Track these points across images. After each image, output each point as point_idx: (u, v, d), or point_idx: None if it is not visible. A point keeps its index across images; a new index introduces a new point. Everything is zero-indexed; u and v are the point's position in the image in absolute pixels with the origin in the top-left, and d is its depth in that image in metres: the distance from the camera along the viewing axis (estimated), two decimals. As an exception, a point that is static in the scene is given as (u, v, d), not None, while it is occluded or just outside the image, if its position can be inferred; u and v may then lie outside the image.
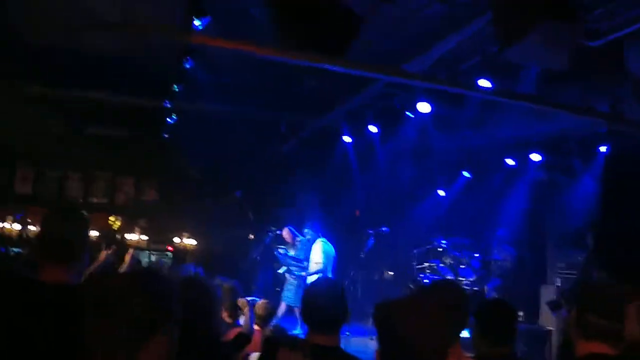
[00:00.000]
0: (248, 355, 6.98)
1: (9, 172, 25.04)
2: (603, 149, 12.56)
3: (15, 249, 21.16)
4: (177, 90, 11.91)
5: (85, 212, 4.15)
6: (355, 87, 12.63)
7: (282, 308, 13.64)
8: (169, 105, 13.28)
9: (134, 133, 20.46)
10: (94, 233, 27.34)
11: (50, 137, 20.60)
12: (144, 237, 26.95)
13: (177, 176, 22.36)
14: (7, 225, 25.44)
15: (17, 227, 26.31)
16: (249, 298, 8.60)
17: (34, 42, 12.13)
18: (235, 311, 8.12)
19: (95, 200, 27.25)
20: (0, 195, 25.06)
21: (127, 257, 8.69)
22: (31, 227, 26.74)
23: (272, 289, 18.27)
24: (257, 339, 7.24)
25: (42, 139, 20.52)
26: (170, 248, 26.72)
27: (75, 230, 3.91)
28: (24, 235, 26.25)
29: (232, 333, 7.26)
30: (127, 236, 27.04)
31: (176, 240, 26.91)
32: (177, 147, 18.98)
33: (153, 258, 25.51)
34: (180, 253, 25.85)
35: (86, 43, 12.17)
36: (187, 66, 10.24)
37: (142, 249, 26.23)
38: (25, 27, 11.65)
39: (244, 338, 6.95)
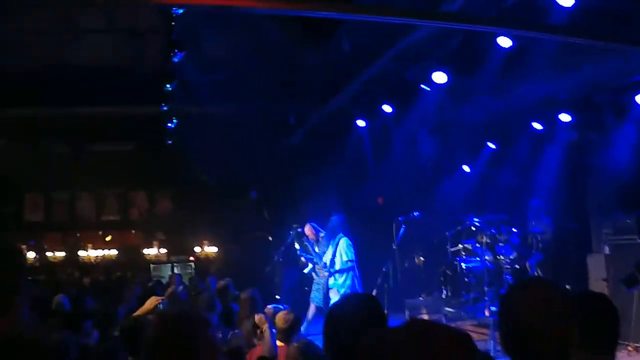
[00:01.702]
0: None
1: (17, 200, 24.51)
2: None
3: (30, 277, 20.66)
4: (170, 89, 11.12)
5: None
6: (362, 64, 11.69)
7: (312, 310, 12.78)
8: (165, 109, 12.49)
9: (139, 145, 19.71)
10: (113, 252, 26.90)
11: (54, 159, 20.07)
12: (163, 250, 26.43)
13: (190, 184, 21.66)
14: (20, 254, 24.93)
15: (31, 254, 25.85)
16: (271, 306, 7.58)
17: (12, 61, 11.58)
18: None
19: (108, 218, 26.80)
20: (11, 224, 24.45)
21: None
22: (48, 254, 26.32)
23: (300, 290, 17.51)
24: (280, 357, 6.21)
25: (45, 162, 19.99)
26: (192, 258, 26.20)
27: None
28: (39, 263, 25.88)
29: (254, 354, 6.32)
30: (146, 251, 26.49)
31: (197, 249, 26.31)
32: (185, 154, 18.23)
33: (176, 270, 24.98)
34: (202, 263, 25.31)
35: (75, 56, 11.58)
36: (176, 60, 9.37)
37: (163, 262, 25.75)
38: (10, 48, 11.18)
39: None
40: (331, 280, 12.18)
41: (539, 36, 8.93)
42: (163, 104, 12.40)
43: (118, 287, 14.89)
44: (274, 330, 6.90)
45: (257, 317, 6.86)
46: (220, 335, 7.72)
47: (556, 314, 2.53)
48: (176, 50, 9.23)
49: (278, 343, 6.69)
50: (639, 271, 8.47)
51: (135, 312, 7.23)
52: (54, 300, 10.44)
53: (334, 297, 11.84)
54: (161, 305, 7.24)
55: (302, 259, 13.42)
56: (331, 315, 3.22)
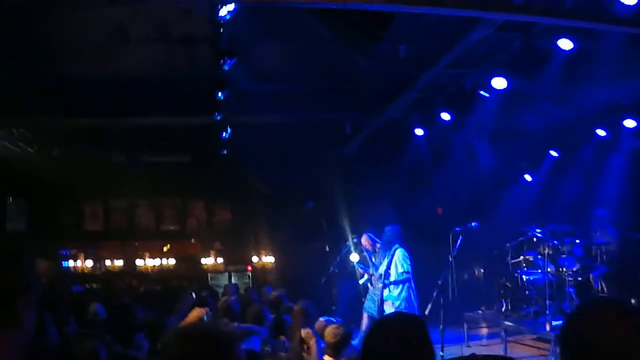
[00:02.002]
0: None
1: (76, 210, 24.76)
2: None
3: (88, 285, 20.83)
4: (222, 98, 10.93)
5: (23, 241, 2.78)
6: (419, 71, 11.39)
7: (365, 321, 12.55)
8: (219, 118, 12.35)
9: (196, 156, 19.68)
10: (170, 261, 26.97)
11: (111, 169, 20.17)
12: (220, 260, 26.43)
13: (247, 194, 21.59)
14: (79, 262, 25.23)
15: (89, 263, 26.10)
16: (323, 319, 7.28)
17: (69, 72, 11.61)
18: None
19: (167, 227, 26.93)
20: (71, 234, 24.76)
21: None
22: (106, 262, 26.52)
23: (357, 301, 17.26)
24: None
25: (103, 171, 20.09)
26: (249, 268, 26.18)
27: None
28: (99, 271, 26.10)
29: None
30: (204, 260, 26.54)
31: (254, 259, 26.25)
32: (241, 165, 18.16)
33: (234, 280, 24.99)
34: (259, 272, 25.26)
35: (124, 65, 11.51)
36: (226, 68, 9.19)
37: (220, 272, 25.78)
38: (60, 58, 11.17)
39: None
40: (386, 292, 11.88)
41: (602, 28, 8.53)
42: (216, 113, 12.26)
43: (173, 297, 14.78)
44: (323, 344, 6.63)
45: (304, 332, 6.56)
46: (269, 349, 7.48)
47: (629, 337, 2.18)
48: (226, 58, 9.05)
49: (326, 358, 6.39)
50: None
51: (184, 323, 7.05)
52: (89, 308, 10.37)
53: (389, 310, 11.55)
54: (206, 317, 7.03)
55: (359, 269, 13.15)
56: (366, 342, 2.88)
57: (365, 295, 13.15)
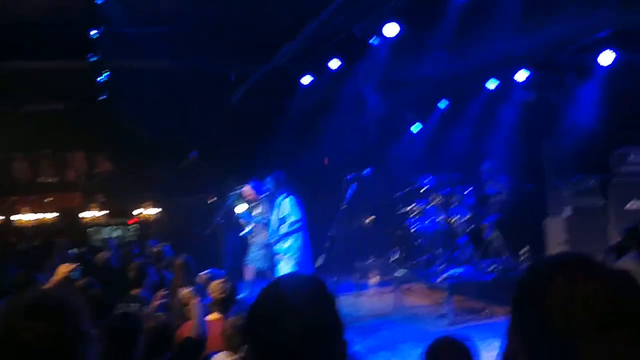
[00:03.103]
0: (209, 357, 5.29)
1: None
2: (604, 59, 10.77)
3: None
4: (95, 37, 10.24)
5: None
6: (308, 16, 10.95)
7: (250, 274, 12.33)
8: (94, 59, 11.61)
9: (72, 104, 18.77)
10: (50, 216, 26.08)
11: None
12: (102, 213, 25.77)
13: (129, 144, 20.87)
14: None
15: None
16: (207, 272, 6.84)
17: None
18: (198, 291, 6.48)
19: (45, 179, 26.02)
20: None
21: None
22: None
23: (243, 253, 17.01)
24: (215, 331, 5.48)
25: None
26: (132, 221, 25.66)
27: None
28: None
29: (184, 331, 5.61)
30: (85, 214, 25.79)
31: (137, 211, 25.69)
32: (121, 112, 17.42)
33: (115, 233, 24.42)
34: (144, 226, 24.75)
35: None
36: (99, 2, 8.53)
37: (102, 225, 25.17)
38: None
39: (193, 346, 5.29)
40: (278, 245, 11.46)
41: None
42: (90, 55, 11.52)
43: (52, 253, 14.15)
44: (206, 300, 6.22)
45: (183, 292, 6.09)
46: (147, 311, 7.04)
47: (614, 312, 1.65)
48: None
49: (213, 316, 5.98)
50: (631, 238, 7.81)
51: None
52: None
53: (284, 265, 11.14)
54: (75, 274, 6.49)
55: (242, 221, 12.75)
56: (256, 312, 2.30)
57: (249, 247, 12.85)
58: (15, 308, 2.26)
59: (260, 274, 12.17)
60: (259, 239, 12.30)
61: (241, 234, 12.74)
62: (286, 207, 11.37)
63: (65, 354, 2.17)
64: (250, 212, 12.52)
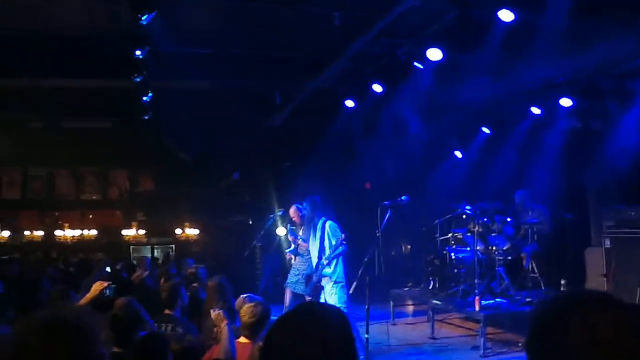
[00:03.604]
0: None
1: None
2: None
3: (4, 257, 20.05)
4: (141, 57, 10.30)
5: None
6: (352, 39, 10.94)
7: (288, 297, 12.01)
8: (138, 80, 11.68)
9: (118, 122, 18.95)
10: (92, 232, 26.30)
11: (29, 135, 19.38)
12: (142, 232, 25.95)
13: (171, 163, 21.01)
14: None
15: (7, 233, 25.40)
16: (244, 296, 6.76)
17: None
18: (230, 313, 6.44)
19: (88, 196, 26.31)
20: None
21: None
22: (25, 232, 25.82)
23: (280, 276, 16.96)
24: (244, 354, 5.39)
25: (20, 137, 19.30)
26: (172, 240, 25.81)
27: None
28: (17, 242, 25.46)
29: (212, 354, 5.57)
30: (125, 232, 25.99)
31: (178, 231, 25.84)
32: (165, 132, 17.54)
33: (156, 253, 24.55)
34: (183, 245, 24.85)
35: (43, 23, 10.86)
36: (144, 23, 8.59)
37: (143, 244, 25.31)
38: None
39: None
40: (321, 269, 11.25)
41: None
42: (135, 75, 11.61)
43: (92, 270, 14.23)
44: (238, 323, 6.17)
45: (213, 314, 6.06)
46: (181, 330, 7.00)
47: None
48: (145, 11, 8.45)
49: (242, 340, 5.92)
50: None
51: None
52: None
53: (329, 289, 10.94)
54: (108, 291, 6.50)
55: (290, 237, 12.62)
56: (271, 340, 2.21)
57: (289, 270, 12.75)
58: (29, 327, 2.23)
59: (299, 297, 12.06)
60: (302, 261, 12.21)
61: (288, 250, 12.58)
62: (327, 231, 11.23)
63: None
64: (296, 233, 12.43)
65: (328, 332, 2.08)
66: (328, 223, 10.91)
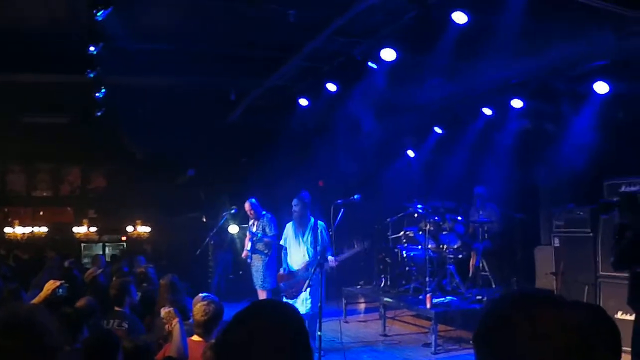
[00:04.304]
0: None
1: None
2: (600, 87, 10.71)
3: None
4: (94, 52, 10.22)
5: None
6: (307, 38, 10.98)
7: (263, 295, 12.07)
8: (92, 75, 11.58)
9: (74, 118, 18.74)
10: (42, 229, 26.00)
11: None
12: (94, 229, 25.73)
13: (124, 160, 20.83)
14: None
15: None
16: (202, 295, 6.73)
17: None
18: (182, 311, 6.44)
19: (39, 193, 26.00)
20: None
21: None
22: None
23: (232, 273, 16.98)
24: (197, 353, 5.39)
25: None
26: (124, 238, 25.61)
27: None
28: None
29: (165, 353, 5.58)
30: (77, 229, 25.74)
31: (129, 229, 25.66)
32: (118, 129, 17.39)
33: (107, 250, 24.36)
34: (134, 243, 24.68)
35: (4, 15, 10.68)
36: (99, 19, 8.53)
37: (94, 242, 25.10)
38: None
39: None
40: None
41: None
42: (89, 70, 11.50)
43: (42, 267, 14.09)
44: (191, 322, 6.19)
45: (164, 312, 6.05)
46: (126, 326, 7.03)
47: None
48: (99, 7, 8.40)
49: (195, 338, 5.93)
50: (622, 200, 7.86)
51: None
52: None
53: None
54: (60, 290, 6.47)
55: (248, 235, 12.57)
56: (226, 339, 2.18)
57: (244, 268, 12.73)
58: None
59: (275, 293, 12.03)
60: (257, 260, 12.17)
61: (247, 248, 12.45)
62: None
63: None
64: (252, 229, 12.35)
65: (282, 328, 2.12)
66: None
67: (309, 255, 10.68)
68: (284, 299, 10.07)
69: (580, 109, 11.26)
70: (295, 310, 2.29)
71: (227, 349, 2.10)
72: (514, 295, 1.85)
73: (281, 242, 11.19)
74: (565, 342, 1.65)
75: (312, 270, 10.01)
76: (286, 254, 11.01)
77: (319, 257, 10.20)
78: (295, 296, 10.44)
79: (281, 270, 10.91)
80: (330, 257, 10.35)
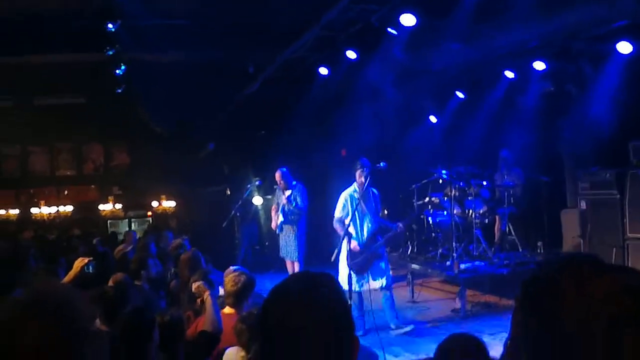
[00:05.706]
0: (222, 352, 5.22)
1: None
2: (623, 47, 10.50)
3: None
4: (113, 30, 10.22)
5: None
6: (324, 6, 10.88)
7: (295, 268, 12.13)
8: (111, 53, 11.59)
9: (89, 97, 18.78)
10: (68, 208, 26.14)
11: (0, 112, 19.15)
12: (119, 206, 25.82)
13: (146, 136, 20.85)
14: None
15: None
16: (233, 268, 6.67)
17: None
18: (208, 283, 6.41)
19: (63, 173, 26.10)
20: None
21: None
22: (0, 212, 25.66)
23: (260, 244, 17.01)
24: (229, 325, 5.34)
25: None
26: (149, 213, 25.67)
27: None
28: None
29: (198, 326, 5.58)
30: (102, 207, 25.85)
31: (154, 204, 25.73)
32: (139, 105, 17.40)
33: (134, 226, 24.43)
34: (160, 218, 24.75)
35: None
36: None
37: (120, 218, 25.19)
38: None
39: (208, 340, 5.25)
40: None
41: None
42: (107, 48, 11.49)
43: (69, 246, 14.17)
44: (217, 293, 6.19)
45: (194, 286, 6.04)
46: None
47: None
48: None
49: (227, 310, 5.92)
50: None
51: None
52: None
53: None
54: (90, 267, 6.51)
55: (274, 206, 12.51)
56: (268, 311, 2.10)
57: (271, 240, 12.70)
58: (11, 307, 2.23)
59: (292, 266, 12.09)
60: (292, 228, 12.11)
61: (278, 219, 12.35)
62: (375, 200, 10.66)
63: (61, 353, 2.13)
64: (281, 199, 12.25)
65: (325, 300, 2.09)
66: (374, 191, 10.46)
67: (371, 224, 10.28)
68: (353, 275, 9.63)
69: (604, 70, 11.11)
70: (335, 281, 2.23)
71: (269, 320, 2.06)
72: (561, 259, 1.80)
73: (338, 214, 10.35)
74: (619, 307, 1.59)
75: (382, 239, 9.99)
76: (355, 225, 10.17)
77: (381, 225, 10.22)
78: (366, 270, 10.10)
79: (354, 243, 9.83)
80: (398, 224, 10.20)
